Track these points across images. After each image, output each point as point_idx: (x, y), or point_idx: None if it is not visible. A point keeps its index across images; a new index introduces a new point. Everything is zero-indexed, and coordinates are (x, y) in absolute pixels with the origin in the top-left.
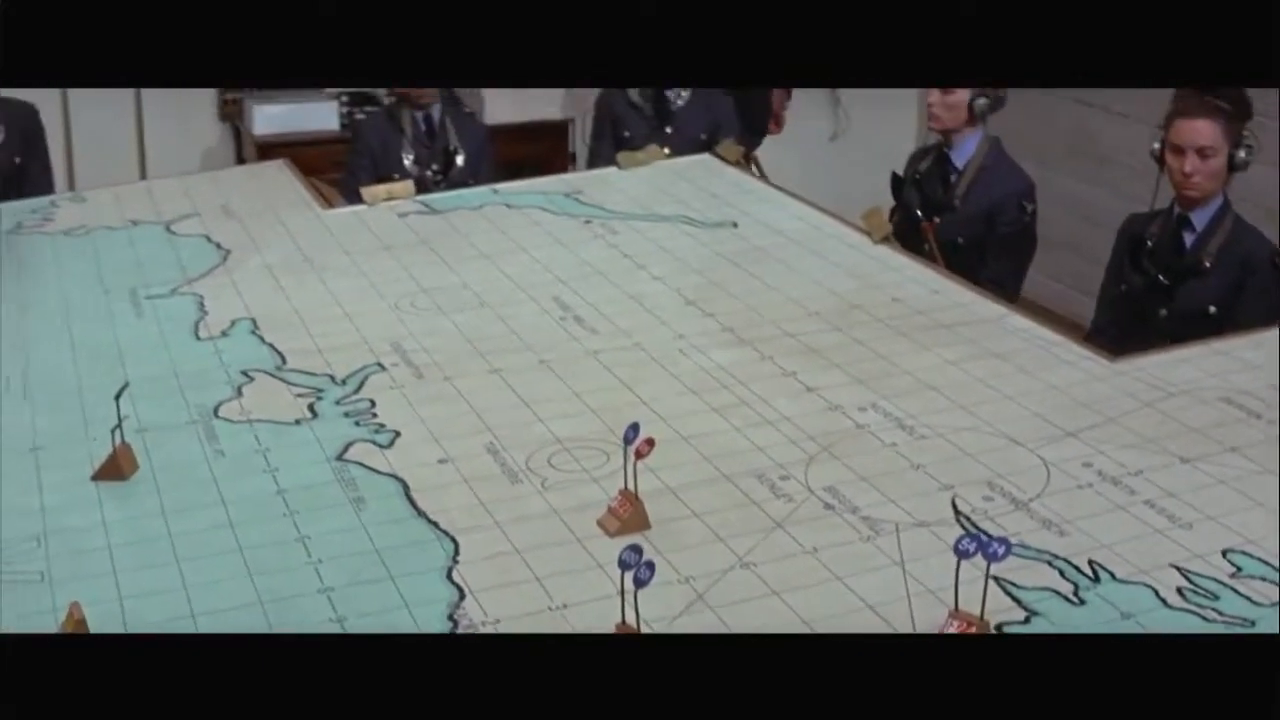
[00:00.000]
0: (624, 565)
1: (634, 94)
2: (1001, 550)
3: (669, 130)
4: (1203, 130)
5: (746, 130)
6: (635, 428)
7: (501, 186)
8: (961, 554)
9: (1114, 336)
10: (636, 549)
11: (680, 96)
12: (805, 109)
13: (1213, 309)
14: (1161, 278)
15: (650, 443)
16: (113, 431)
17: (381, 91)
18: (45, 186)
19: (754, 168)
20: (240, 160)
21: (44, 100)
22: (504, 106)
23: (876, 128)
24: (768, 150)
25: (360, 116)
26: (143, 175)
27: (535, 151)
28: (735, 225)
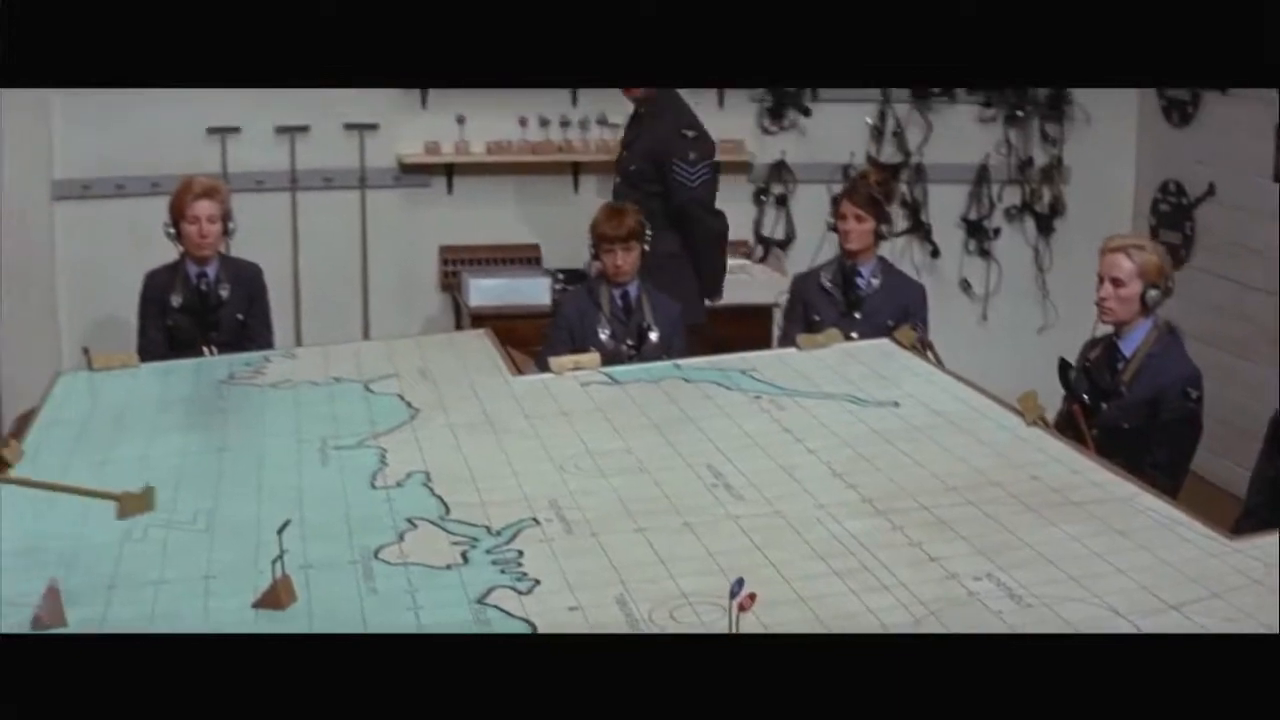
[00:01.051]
0: None
1: (826, 280)
2: None
3: (858, 315)
4: None
5: (701, 294)
6: (740, 582)
7: (684, 362)
8: None
9: (1264, 518)
10: None
11: (870, 284)
12: (1013, 301)
13: None
14: None
15: (752, 597)
16: (273, 564)
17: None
18: (265, 342)
19: (929, 353)
20: (458, 329)
21: (272, 263)
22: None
23: (1083, 321)
24: (975, 339)
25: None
26: (366, 338)
27: (741, 332)
28: (897, 404)
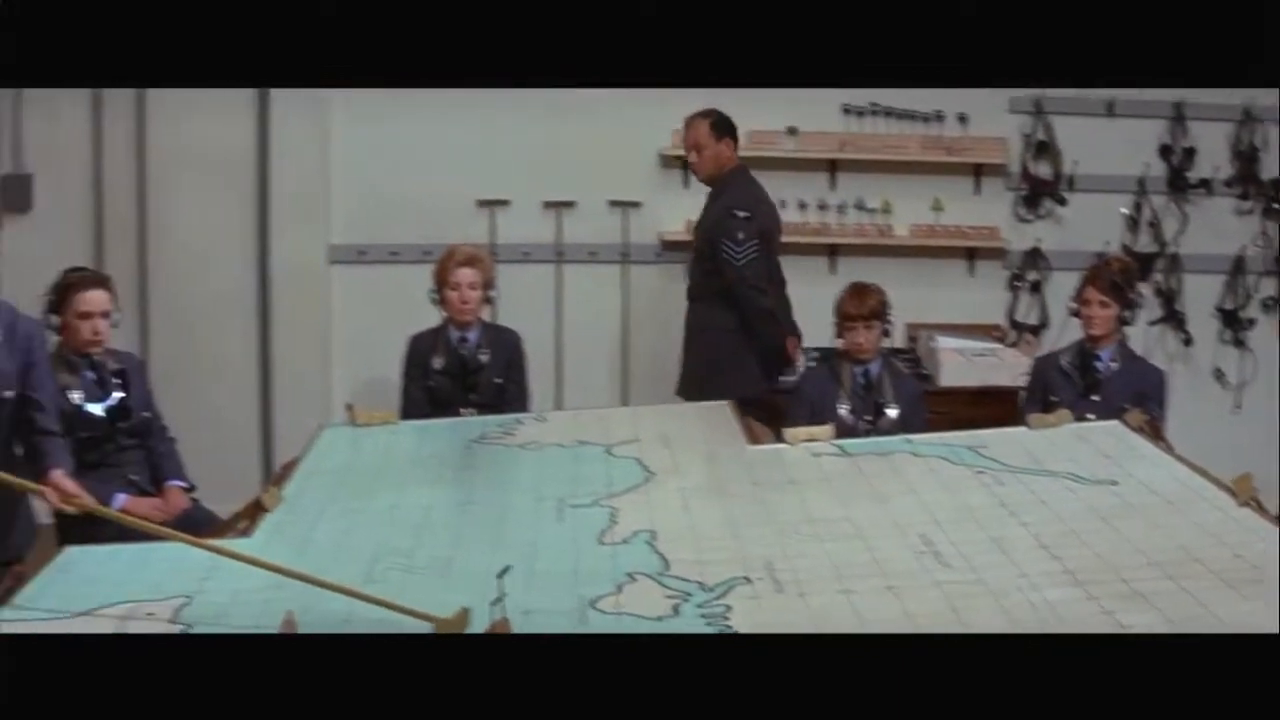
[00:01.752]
0: None
1: (1065, 363)
2: None
3: (1095, 398)
4: None
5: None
6: None
7: (915, 437)
8: None
9: None
10: None
11: (1109, 368)
12: (1268, 391)
13: None
14: None
15: None
16: (492, 606)
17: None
18: (521, 406)
19: (1163, 442)
20: None
21: (536, 331)
22: (960, 370)
23: None
24: (1228, 428)
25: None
26: (624, 404)
27: (986, 413)
28: (1115, 483)
